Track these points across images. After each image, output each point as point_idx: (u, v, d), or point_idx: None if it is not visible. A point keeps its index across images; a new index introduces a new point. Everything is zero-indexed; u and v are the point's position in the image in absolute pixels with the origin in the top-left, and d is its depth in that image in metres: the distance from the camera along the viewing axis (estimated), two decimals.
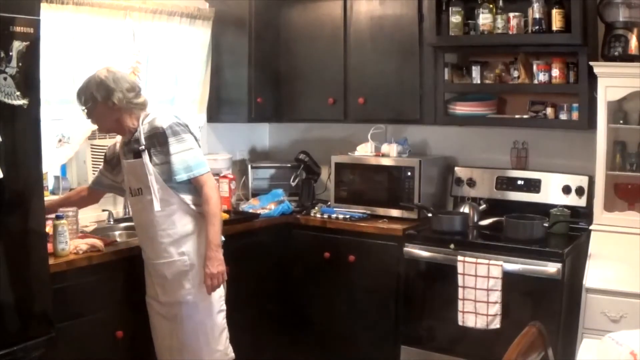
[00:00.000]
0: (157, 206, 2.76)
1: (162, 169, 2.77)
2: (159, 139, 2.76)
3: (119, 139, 2.99)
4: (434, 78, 3.63)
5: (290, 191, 4.09)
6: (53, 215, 2.82)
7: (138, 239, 2.94)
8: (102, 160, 3.12)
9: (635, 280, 2.77)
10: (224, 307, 2.96)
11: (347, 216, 3.74)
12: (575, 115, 3.32)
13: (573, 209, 3.44)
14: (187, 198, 2.82)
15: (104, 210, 3.59)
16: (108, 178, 3.08)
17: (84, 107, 2.79)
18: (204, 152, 4.13)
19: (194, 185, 2.80)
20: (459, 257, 3.20)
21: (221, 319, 2.95)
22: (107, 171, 3.06)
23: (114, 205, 3.67)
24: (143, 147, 2.77)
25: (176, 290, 2.83)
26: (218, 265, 2.76)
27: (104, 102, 2.73)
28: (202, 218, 2.81)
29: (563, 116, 3.38)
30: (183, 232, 2.82)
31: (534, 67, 3.40)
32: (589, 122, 3.24)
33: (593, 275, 2.90)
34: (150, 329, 2.99)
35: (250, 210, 3.86)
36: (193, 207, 2.83)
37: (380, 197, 3.80)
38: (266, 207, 3.89)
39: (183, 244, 2.81)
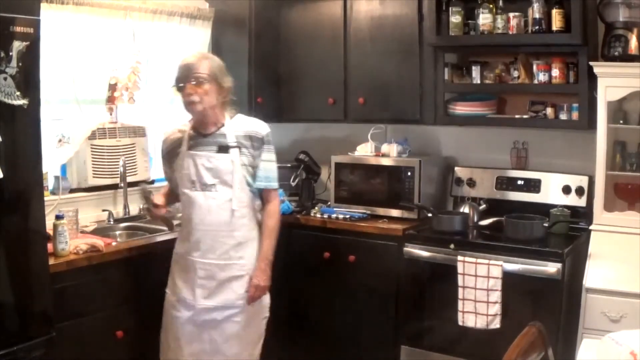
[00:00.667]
0: (235, 205, 2.74)
1: (246, 171, 2.77)
2: (254, 143, 2.79)
3: (170, 130, 2.89)
4: (434, 78, 3.63)
5: (290, 191, 4.09)
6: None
7: (191, 236, 2.77)
8: (161, 157, 2.97)
9: (635, 280, 2.77)
10: (268, 313, 2.98)
11: (347, 216, 3.74)
12: (575, 115, 3.32)
13: (573, 209, 3.44)
14: (257, 205, 2.84)
15: (104, 210, 3.59)
16: (168, 173, 2.96)
17: (199, 78, 2.66)
18: None
19: (262, 196, 2.85)
20: (459, 257, 3.20)
21: (264, 325, 2.96)
22: (167, 166, 2.94)
23: (114, 205, 3.68)
24: (235, 144, 2.75)
25: (225, 294, 2.77)
26: (266, 279, 2.83)
27: (219, 84, 2.72)
28: (259, 228, 2.85)
29: (563, 116, 3.38)
30: (247, 237, 2.80)
31: (534, 67, 3.40)
32: (589, 122, 3.24)
33: (593, 275, 2.89)
34: (149, 328, 2.99)
35: None
36: (259, 215, 2.85)
37: (380, 197, 3.80)
38: None
39: (243, 249, 2.79)
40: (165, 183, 3.07)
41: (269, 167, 2.84)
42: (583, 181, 3.47)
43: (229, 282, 2.77)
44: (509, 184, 3.67)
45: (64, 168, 3.50)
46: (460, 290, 3.18)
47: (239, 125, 2.81)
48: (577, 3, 3.13)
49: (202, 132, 2.78)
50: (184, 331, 2.78)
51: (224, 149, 2.74)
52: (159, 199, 2.89)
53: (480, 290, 3.12)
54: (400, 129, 4.03)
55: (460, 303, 3.19)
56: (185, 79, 2.67)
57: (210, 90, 2.69)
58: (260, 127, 2.85)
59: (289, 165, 4.18)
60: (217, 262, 2.75)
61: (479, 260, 3.14)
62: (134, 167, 3.80)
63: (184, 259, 2.81)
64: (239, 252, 2.78)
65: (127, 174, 3.68)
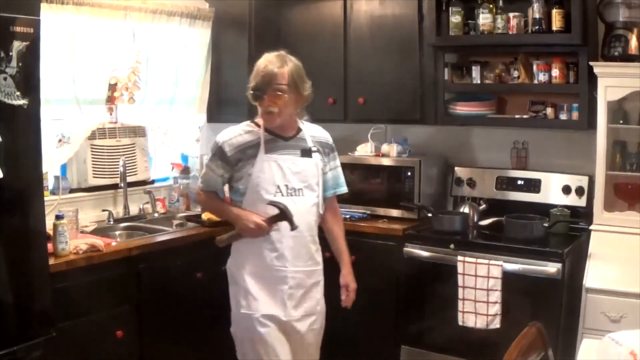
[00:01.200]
0: (321, 209, 2.69)
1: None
2: (325, 149, 2.74)
3: (233, 132, 2.61)
4: (434, 78, 3.62)
5: None
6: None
7: (279, 244, 2.58)
8: (218, 159, 2.62)
9: (635, 280, 2.76)
10: None
11: (347, 216, 3.73)
12: (575, 115, 3.32)
13: (573, 209, 3.44)
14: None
15: (104, 210, 3.59)
16: (224, 178, 2.65)
17: (279, 89, 2.52)
18: (203, 152, 4.17)
19: (325, 201, 2.77)
20: (459, 257, 3.20)
21: None
22: (225, 169, 2.61)
23: (114, 206, 3.68)
24: (316, 148, 2.68)
25: (309, 301, 2.68)
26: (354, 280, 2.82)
27: (299, 92, 2.58)
28: None
29: (563, 116, 3.38)
30: (318, 242, 2.74)
31: (534, 67, 3.40)
32: (589, 122, 3.24)
33: (593, 275, 2.89)
34: (149, 328, 2.99)
35: None
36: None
37: (380, 197, 3.80)
38: None
39: (319, 253, 2.74)
40: (199, 184, 2.75)
41: (338, 173, 2.82)
42: (583, 181, 3.47)
43: (310, 288, 2.68)
44: (509, 184, 3.67)
45: (64, 168, 3.50)
46: (460, 290, 3.18)
47: (310, 130, 2.74)
48: (577, 3, 3.13)
49: (282, 136, 2.63)
50: (277, 346, 2.59)
51: (306, 153, 2.65)
52: (256, 216, 2.56)
53: (480, 290, 3.12)
54: (400, 129, 4.03)
55: (460, 303, 3.19)
56: (266, 89, 2.52)
57: (289, 100, 2.55)
58: (327, 134, 2.81)
59: None
60: (304, 269, 2.64)
61: (479, 260, 3.14)
62: (134, 167, 3.80)
63: (269, 271, 2.59)
64: (318, 257, 2.71)
65: (127, 174, 3.68)
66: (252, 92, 2.56)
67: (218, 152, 2.61)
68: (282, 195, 2.56)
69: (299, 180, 2.60)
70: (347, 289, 2.79)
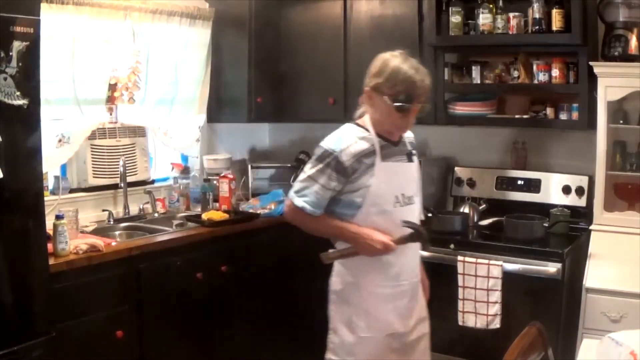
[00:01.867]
0: (422, 215, 2.52)
1: None
2: (413, 148, 2.52)
3: (348, 140, 2.32)
4: (434, 78, 3.59)
5: None
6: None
7: (397, 258, 2.37)
8: (333, 171, 2.30)
9: (635, 280, 2.77)
10: None
11: None
12: (575, 115, 3.32)
13: (573, 209, 3.44)
14: None
15: (104, 210, 3.59)
16: (335, 192, 2.34)
17: (425, 100, 2.37)
18: (203, 152, 4.17)
19: None
20: (459, 257, 3.20)
21: None
22: (340, 182, 2.31)
23: (114, 206, 3.68)
24: (415, 150, 2.50)
25: (422, 310, 2.58)
26: None
27: None
28: None
29: (563, 116, 3.38)
30: None
31: (534, 67, 3.40)
32: (589, 122, 3.24)
33: (593, 275, 2.90)
34: (149, 328, 2.99)
35: (250, 210, 3.86)
36: None
37: None
38: (266, 207, 3.89)
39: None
40: (301, 203, 2.33)
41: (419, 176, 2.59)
42: (583, 181, 3.47)
43: (419, 295, 2.56)
44: (509, 184, 3.67)
45: (64, 168, 3.50)
46: (460, 290, 3.18)
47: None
48: (577, 3, 3.13)
49: (391, 141, 2.39)
50: None
51: (410, 157, 2.45)
52: (381, 235, 2.31)
53: (480, 290, 3.12)
54: None
55: (460, 303, 3.19)
56: (414, 100, 2.31)
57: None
58: (411, 133, 2.56)
59: (289, 165, 4.18)
60: (417, 279, 2.50)
61: (479, 260, 3.14)
62: (134, 167, 3.80)
63: (391, 287, 2.39)
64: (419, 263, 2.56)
65: (127, 174, 3.67)
66: (400, 103, 2.27)
67: (333, 163, 2.28)
68: (401, 205, 2.36)
69: (411, 187, 2.42)
70: (423, 285, 2.60)
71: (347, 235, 2.34)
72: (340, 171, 2.29)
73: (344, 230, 2.34)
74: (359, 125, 2.39)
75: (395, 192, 2.34)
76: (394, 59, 2.36)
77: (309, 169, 2.36)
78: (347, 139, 2.32)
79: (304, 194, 2.33)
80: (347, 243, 2.36)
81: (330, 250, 2.42)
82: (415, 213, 2.43)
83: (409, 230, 2.33)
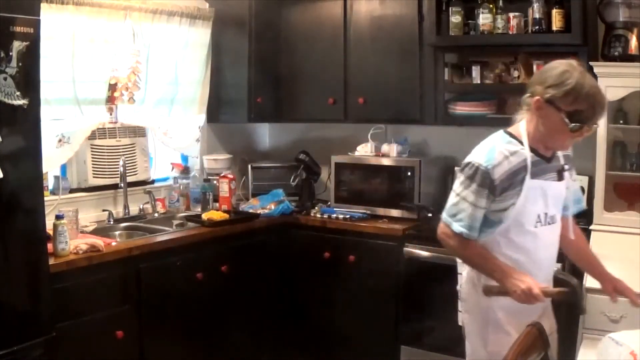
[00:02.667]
0: (572, 234, 2.34)
1: None
2: (569, 163, 2.32)
3: (501, 155, 2.14)
4: (434, 78, 3.62)
5: (290, 191, 4.09)
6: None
7: (536, 279, 2.14)
8: (486, 189, 2.12)
9: (635, 280, 2.76)
10: None
11: (347, 216, 3.74)
12: None
13: None
14: None
15: (104, 210, 3.59)
16: (484, 209, 2.17)
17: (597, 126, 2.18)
18: (203, 152, 4.17)
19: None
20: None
21: None
22: (490, 201, 2.15)
23: (114, 205, 3.68)
24: (567, 165, 2.28)
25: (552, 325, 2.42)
26: None
27: None
28: None
29: None
30: None
31: (534, 67, 3.40)
32: None
33: None
34: (149, 328, 2.99)
35: (250, 210, 3.86)
36: None
37: (380, 197, 3.80)
38: (266, 207, 3.89)
39: None
40: (457, 227, 2.16)
41: (577, 187, 2.44)
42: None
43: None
44: None
45: (64, 168, 3.50)
46: (460, 290, 3.17)
47: None
48: (577, 3, 3.13)
49: (545, 156, 2.21)
50: None
51: (560, 173, 2.25)
52: (532, 281, 2.08)
53: None
54: (400, 129, 4.03)
55: (460, 303, 3.18)
56: (592, 121, 2.12)
57: None
58: None
59: (289, 165, 4.18)
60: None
61: None
62: (134, 167, 3.80)
63: (527, 309, 2.18)
64: None
65: (127, 174, 3.67)
66: (577, 123, 2.07)
67: (485, 180, 2.11)
68: (542, 224, 2.20)
69: (555, 206, 2.25)
70: (617, 293, 2.35)
71: (497, 271, 2.14)
72: (491, 189, 2.12)
73: (493, 266, 2.15)
74: (511, 135, 2.20)
75: (539, 211, 2.19)
76: (574, 72, 2.08)
77: (459, 188, 2.19)
78: (498, 154, 2.13)
79: (459, 219, 2.16)
80: (492, 277, 2.17)
81: (493, 284, 2.19)
82: (556, 233, 2.29)
83: (559, 286, 2.17)
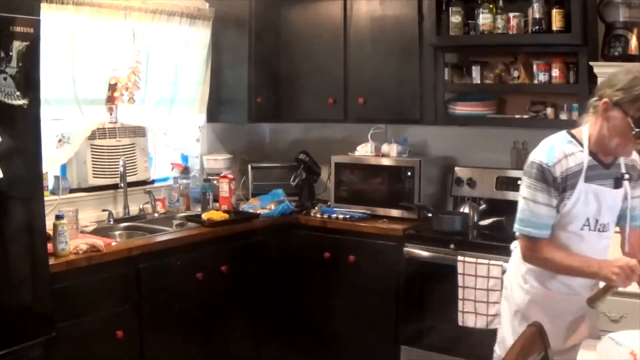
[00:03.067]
0: (627, 247, 2.25)
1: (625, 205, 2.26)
2: (634, 174, 2.25)
3: (560, 154, 2.15)
4: (434, 78, 3.63)
5: (290, 191, 4.09)
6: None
7: (573, 281, 2.22)
8: (551, 187, 2.14)
9: None
10: None
11: (347, 216, 3.74)
12: (575, 115, 3.32)
13: None
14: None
15: (104, 210, 3.59)
16: (554, 208, 2.18)
17: None
18: (204, 152, 4.18)
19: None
20: (459, 257, 3.20)
21: None
22: (555, 197, 2.16)
23: (114, 205, 3.68)
24: (628, 174, 2.22)
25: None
26: None
27: None
28: None
29: (563, 116, 3.38)
30: None
31: (534, 67, 3.40)
32: None
33: None
34: (149, 328, 2.99)
35: (250, 210, 3.86)
36: None
37: (380, 197, 3.80)
38: (266, 207, 3.89)
39: None
40: (533, 233, 2.17)
41: None
42: None
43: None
44: (509, 184, 3.67)
45: (64, 168, 3.50)
46: (460, 290, 3.18)
47: None
48: (577, 3, 3.13)
49: (603, 162, 2.19)
50: None
51: (618, 181, 2.21)
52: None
53: (480, 290, 3.12)
54: (400, 129, 4.03)
55: (460, 303, 3.19)
56: None
57: None
58: (637, 155, 2.28)
59: (289, 165, 4.19)
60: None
61: (479, 260, 3.14)
62: (134, 167, 3.80)
63: (565, 312, 2.26)
64: None
65: (127, 174, 3.67)
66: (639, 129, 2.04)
67: (550, 178, 2.13)
68: (590, 229, 2.19)
69: (609, 214, 2.22)
70: None
71: (594, 267, 2.10)
72: (555, 186, 2.14)
73: (588, 265, 2.11)
74: (573, 136, 2.20)
75: (589, 214, 2.17)
76: None
77: (525, 190, 2.19)
78: (557, 152, 2.15)
79: (531, 224, 2.17)
80: (587, 274, 2.16)
81: (595, 294, 2.17)
82: (604, 242, 2.24)
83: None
